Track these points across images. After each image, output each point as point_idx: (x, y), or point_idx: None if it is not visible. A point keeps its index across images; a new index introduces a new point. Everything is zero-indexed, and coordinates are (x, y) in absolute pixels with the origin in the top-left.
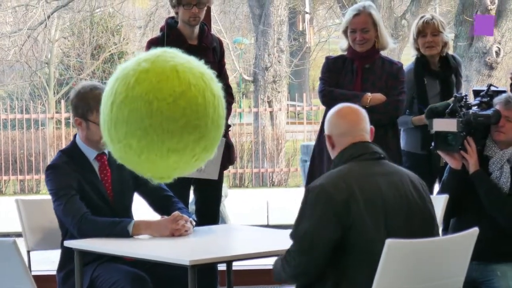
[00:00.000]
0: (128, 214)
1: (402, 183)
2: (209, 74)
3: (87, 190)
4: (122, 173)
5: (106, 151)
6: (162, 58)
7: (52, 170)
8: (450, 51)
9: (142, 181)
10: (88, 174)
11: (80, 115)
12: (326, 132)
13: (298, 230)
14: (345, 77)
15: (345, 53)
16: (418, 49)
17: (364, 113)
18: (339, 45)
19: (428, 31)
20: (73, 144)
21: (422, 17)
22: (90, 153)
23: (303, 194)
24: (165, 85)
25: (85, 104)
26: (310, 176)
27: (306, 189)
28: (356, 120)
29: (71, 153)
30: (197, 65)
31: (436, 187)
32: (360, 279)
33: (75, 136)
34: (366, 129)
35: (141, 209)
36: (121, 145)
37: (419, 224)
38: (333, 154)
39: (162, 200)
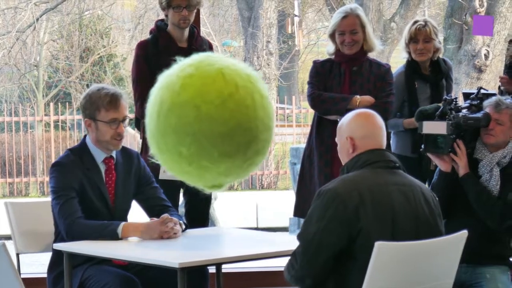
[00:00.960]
0: (125, 218)
1: (413, 195)
2: (255, 75)
3: (89, 191)
4: (126, 179)
5: (114, 155)
6: (207, 62)
7: (57, 168)
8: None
9: (142, 188)
10: (94, 175)
11: (88, 116)
12: (346, 134)
13: (306, 232)
14: (333, 80)
15: (332, 56)
16: (409, 53)
17: (381, 119)
18: (326, 49)
19: (420, 38)
20: (83, 144)
21: (416, 22)
22: (99, 155)
23: (315, 196)
24: (211, 88)
25: (92, 105)
26: (301, 179)
27: (318, 191)
28: (378, 124)
29: (79, 153)
30: (242, 67)
31: None
32: (360, 286)
33: (85, 136)
34: (384, 136)
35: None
36: (171, 154)
37: (426, 238)
38: (348, 157)
39: (159, 209)
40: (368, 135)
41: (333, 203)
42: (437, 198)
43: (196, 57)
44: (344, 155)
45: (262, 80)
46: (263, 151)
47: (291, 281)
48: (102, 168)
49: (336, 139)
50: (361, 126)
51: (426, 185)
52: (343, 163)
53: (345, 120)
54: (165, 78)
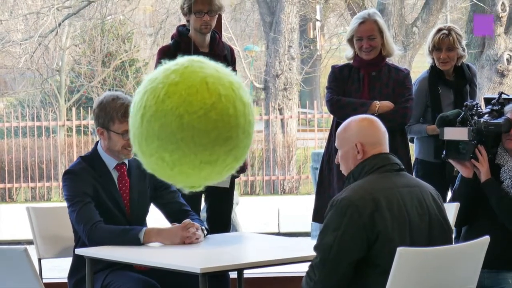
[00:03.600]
0: (142, 224)
1: (423, 196)
2: (238, 82)
3: (103, 198)
4: (140, 184)
5: (126, 161)
6: (191, 69)
7: (69, 176)
8: None
9: (160, 193)
10: (107, 182)
11: (101, 125)
12: (356, 140)
13: (323, 243)
14: (352, 85)
15: (351, 61)
16: (433, 59)
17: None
18: (344, 54)
19: (443, 47)
20: (94, 152)
21: (440, 30)
22: (110, 162)
23: (328, 207)
24: (195, 98)
25: (106, 115)
26: (320, 184)
27: (330, 202)
28: (383, 129)
29: (91, 160)
30: (225, 74)
31: (449, 195)
32: None
33: (96, 143)
34: (388, 140)
35: (154, 217)
36: (153, 158)
37: (439, 236)
38: (354, 164)
39: (178, 213)
40: (379, 142)
41: (348, 211)
42: (440, 195)
43: (180, 62)
44: (349, 162)
45: (244, 87)
46: (241, 157)
47: None
48: (115, 175)
49: (337, 145)
50: (370, 131)
51: (449, 191)
52: (346, 170)
53: (350, 126)
54: (150, 83)
